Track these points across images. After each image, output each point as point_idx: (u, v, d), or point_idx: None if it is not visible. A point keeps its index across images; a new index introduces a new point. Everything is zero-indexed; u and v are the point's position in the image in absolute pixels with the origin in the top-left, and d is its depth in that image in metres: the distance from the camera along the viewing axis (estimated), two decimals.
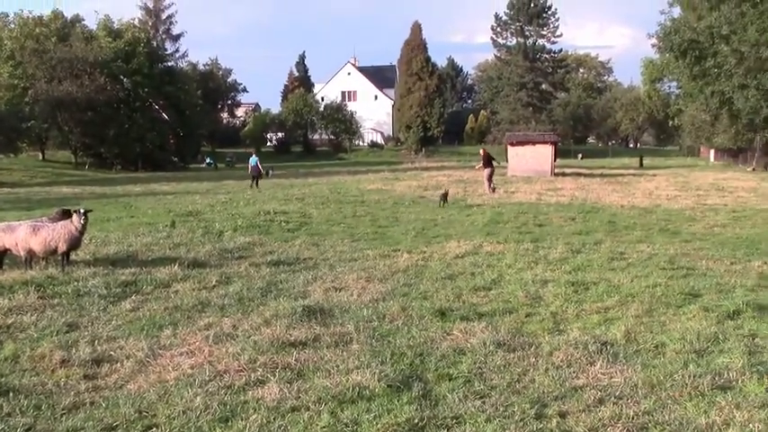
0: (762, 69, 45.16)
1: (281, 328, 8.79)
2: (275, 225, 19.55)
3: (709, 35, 46.14)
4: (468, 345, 8.17)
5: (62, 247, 12.67)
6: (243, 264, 13.39)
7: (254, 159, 39.55)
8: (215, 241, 16.41)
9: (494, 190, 31.29)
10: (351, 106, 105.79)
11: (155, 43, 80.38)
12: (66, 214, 13.63)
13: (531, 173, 43.30)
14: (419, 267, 13.00)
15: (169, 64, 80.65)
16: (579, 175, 45.28)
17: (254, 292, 10.92)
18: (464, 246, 15.34)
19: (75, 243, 12.90)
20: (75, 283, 11.45)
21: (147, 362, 7.79)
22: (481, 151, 34.98)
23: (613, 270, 12.48)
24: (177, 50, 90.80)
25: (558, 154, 49.39)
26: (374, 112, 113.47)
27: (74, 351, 8.09)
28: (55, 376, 7.39)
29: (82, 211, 12.90)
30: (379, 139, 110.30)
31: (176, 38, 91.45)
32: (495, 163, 33.15)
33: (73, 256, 13.35)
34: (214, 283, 11.65)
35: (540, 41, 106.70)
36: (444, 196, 26.19)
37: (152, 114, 71.89)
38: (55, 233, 12.66)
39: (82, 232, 12.91)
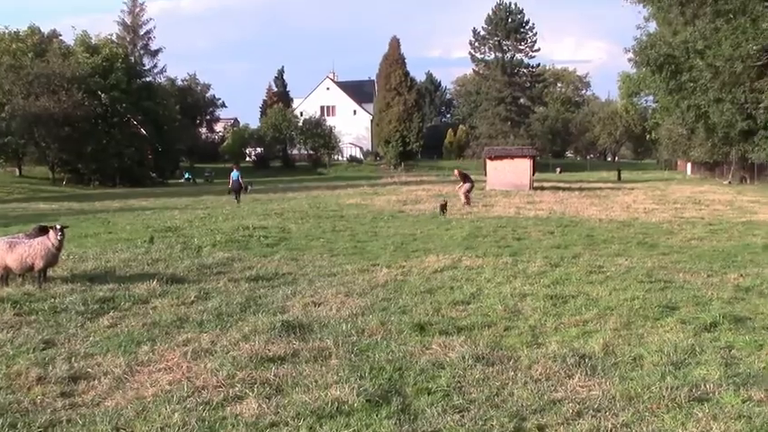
0: (736, 83, 45.62)
1: (259, 344, 8.77)
2: (254, 240, 19.50)
3: (685, 50, 46.55)
4: (447, 359, 8.18)
5: (39, 264, 12.56)
6: (221, 279, 13.35)
7: (235, 174, 39.49)
8: (194, 257, 16.33)
9: (468, 200, 31.31)
10: (330, 121, 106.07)
11: (133, 59, 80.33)
12: (44, 231, 13.52)
13: (509, 187, 43.47)
14: (398, 282, 13.01)
15: (147, 79, 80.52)
16: (558, 188, 45.53)
17: (233, 308, 10.88)
18: (443, 260, 15.36)
19: (52, 259, 12.80)
20: (52, 300, 11.36)
21: (125, 378, 7.73)
22: (456, 172, 35.25)
23: (592, 283, 12.54)
24: (155, 66, 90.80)
25: (536, 168, 49.58)
26: (353, 127, 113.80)
27: (50, 368, 8.02)
28: (31, 394, 7.32)
29: (59, 227, 12.81)
30: (358, 154, 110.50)
31: (154, 53, 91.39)
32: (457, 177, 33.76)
33: (50, 273, 13.25)
34: (192, 298, 11.59)
35: (518, 56, 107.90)
36: (443, 207, 27.37)
37: (130, 130, 71.65)
38: (31, 250, 12.56)
39: (59, 248, 12.82)
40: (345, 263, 15.35)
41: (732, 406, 6.75)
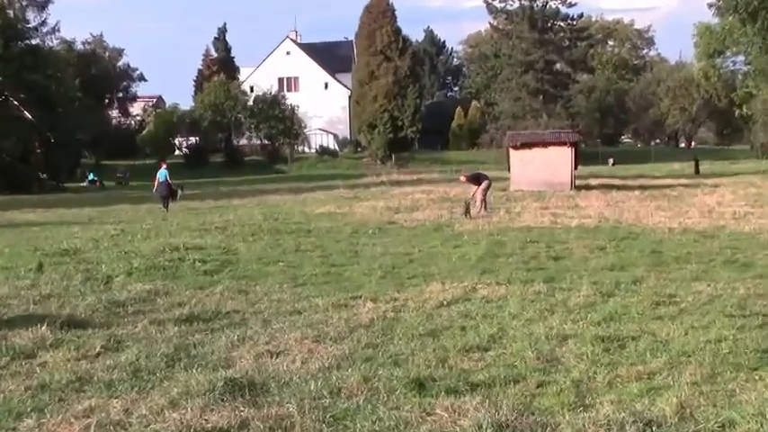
0: None
1: (193, 412, 8.71)
2: (187, 266, 19.49)
3: None
4: (458, 428, 8.14)
5: None
6: (140, 321, 13.28)
7: (163, 173, 39.60)
8: (101, 291, 16.28)
9: (484, 205, 31.47)
10: (292, 98, 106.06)
11: (11, 13, 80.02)
12: None
13: (542, 186, 43.53)
14: (388, 321, 12.99)
15: (33, 42, 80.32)
16: (610, 187, 45.63)
17: (156, 362, 10.82)
18: (451, 289, 15.38)
19: None
20: None
21: None
22: (462, 177, 35.21)
23: (660, 319, 12.55)
24: (44, 23, 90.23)
25: (579, 159, 49.72)
26: (325, 106, 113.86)
27: None
28: None
29: None
30: (332, 144, 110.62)
31: (42, 5, 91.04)
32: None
33: None
34: (99, 349, 11.52)
35: (553, 4, 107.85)
36: (467, 208, 29.99)
37: (9, 113, 71.39)
38: None
39: None
40: (314, 295, 15.35)
41: None
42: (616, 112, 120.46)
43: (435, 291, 15.33)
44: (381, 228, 27.43)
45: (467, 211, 29.78)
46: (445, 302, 14.30)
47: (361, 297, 15.01)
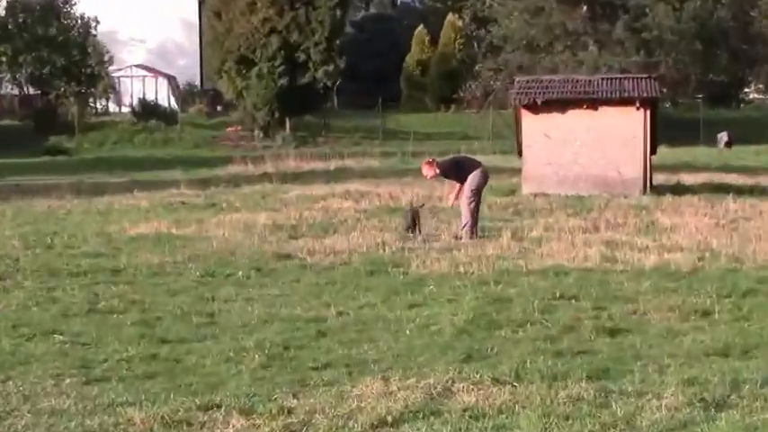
0: None
1: None
2: None
3: None
4: None
5: None
6: None
7: None
8: None
9: (473, 222, 31.51)
10: (85, 4, 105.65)
11: None
12: None
13: (584, 186, 43.73)
14: None
15: None
16: (723, 189, 45.93)
17: None
18: (402, 392, 15.18)
19: None
20: None
21: None
22: (428, 169, 33.57)
23: None
24: None
25: (656, 133, 49.50)
26: (151, 23, 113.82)
27: None
28: None
29: None
30: (166, 98, 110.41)
31: None
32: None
33: None
34: None
35: None
36: (414, 219, 30.85)
37: None
38: None
39: None
40: (126, 402, 15.14)
41: None
42: (733, 41, 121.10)
43: (370, 394, 15.15)
44: (263, 267, 27.38)
45: (412, 227, 30.09)
46: (390, 418, 14.05)
47: (220, 407, 14.77)
